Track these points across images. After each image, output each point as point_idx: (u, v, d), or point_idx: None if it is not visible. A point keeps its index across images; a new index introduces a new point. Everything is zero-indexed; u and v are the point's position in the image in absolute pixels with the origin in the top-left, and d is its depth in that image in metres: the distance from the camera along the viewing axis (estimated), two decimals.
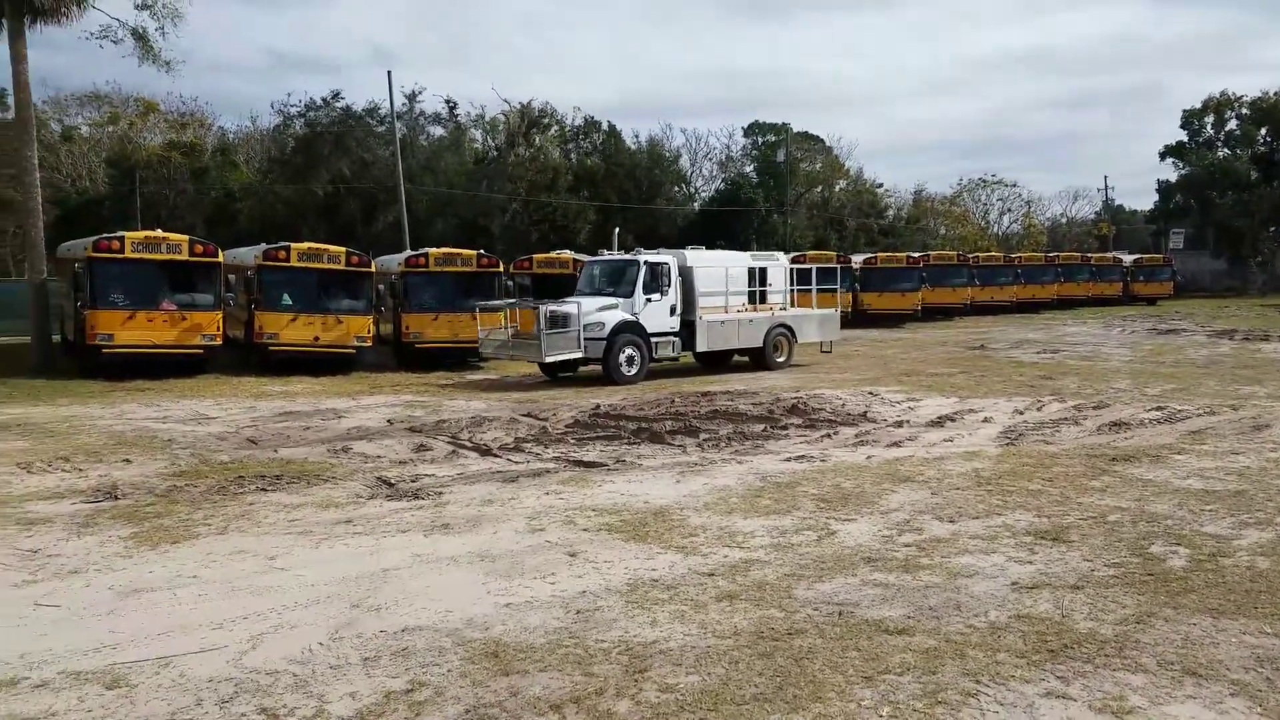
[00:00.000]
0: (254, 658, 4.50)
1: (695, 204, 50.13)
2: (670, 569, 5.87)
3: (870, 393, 14.51)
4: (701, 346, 19.05)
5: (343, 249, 20.20)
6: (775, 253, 24.04)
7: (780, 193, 47.62)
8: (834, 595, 5.31)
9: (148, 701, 4.07)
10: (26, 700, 4.07)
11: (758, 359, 19.67)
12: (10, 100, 41.33)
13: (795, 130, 51.73)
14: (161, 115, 43.18)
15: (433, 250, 22.42)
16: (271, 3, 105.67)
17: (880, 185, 56.84)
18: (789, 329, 20.18)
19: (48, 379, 17.30)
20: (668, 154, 49.23)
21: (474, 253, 22.16)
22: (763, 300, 20.25)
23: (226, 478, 8.77)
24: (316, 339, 18.88)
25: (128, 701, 4.07)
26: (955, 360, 20.46)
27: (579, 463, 9.39)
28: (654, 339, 18.16)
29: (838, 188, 54.13)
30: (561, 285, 25.11)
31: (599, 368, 17.42)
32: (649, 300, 18.14)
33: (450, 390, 16.64)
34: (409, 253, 23.91)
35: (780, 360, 19.81)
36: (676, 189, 49.22)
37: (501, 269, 22.41)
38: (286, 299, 18.99)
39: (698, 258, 19.65)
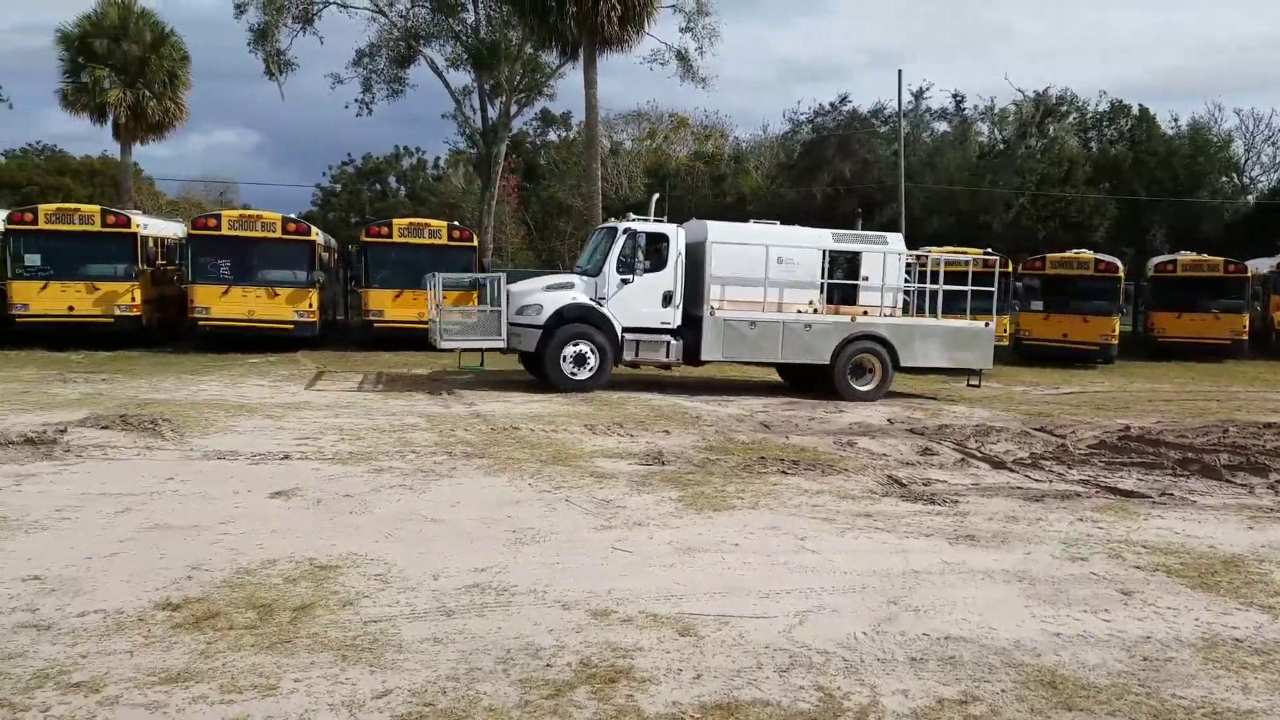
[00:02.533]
0: (802, 633, 4.74)
1: (1249, 197, 42.26)
2: (1256, 630, 4.97)
3: None
4: (710, 353, 14.49)
5: None
6: (884, 234, 17.14)
7: None
8: None
9: (714, 654, 4.48)
10: (617, 631, 4.73)
11: (832, 383, 14.60)
12: (572, 120, 49.31)
13: None
14: (689, 129, 48.20)
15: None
16: (780, 17, 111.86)
17: None
18: (884, 344, 14.66)
19: None
20: (1215, 139, 42.14)
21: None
22: (850, 300, 15.17)
23: (750, 457, 9.45)
24: None
25: (697, 651, 4.52)
26: None
27: (1114, 490, 8.43)
28: (631, 335, 14.27)
29: None
30: (1078, 288, 22.85)
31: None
32: (625, 281, 14.22)
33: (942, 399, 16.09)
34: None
35: (864, 389, 14.66)
36: (1225, 179, 41.95)
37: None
38: None
39: (724, 230, 15.14)
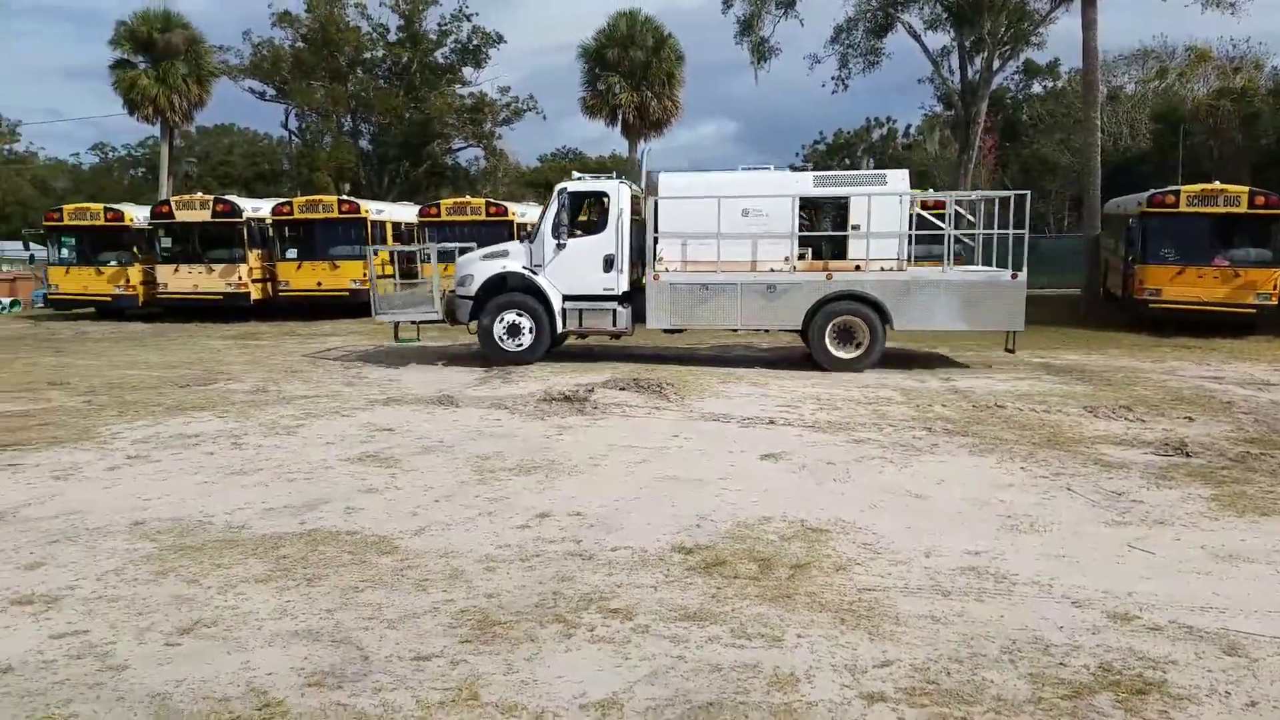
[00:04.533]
0: None
1: None
2: None
3: None
4: (656, 321, 13.21)
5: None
6: (883, 172, 14.52)
7: None
8: None
9: (1273, 681, 3.75)
10: (1143, 639, 4.17)
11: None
12: (1060, 69, 44.61)
13: None
14: (1212, 63, 40.89)
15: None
16: None
17: None
18: (871, 305, 12.59)
19: (1095, 329, 18.29)
20: None
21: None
22: (838, 255, 13.43)
23: None
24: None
25: (1249, 674, 3.81)
26: None
27: None
28: (572, 304, 13.27)
29: None
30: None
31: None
32: (561, 246, 13.14)
33: None
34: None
35: (847, 356, 12.75)
36: None
37: None
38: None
39: (676, 182, 13.66)
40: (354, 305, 20.78)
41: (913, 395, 11.02)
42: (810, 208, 13.96)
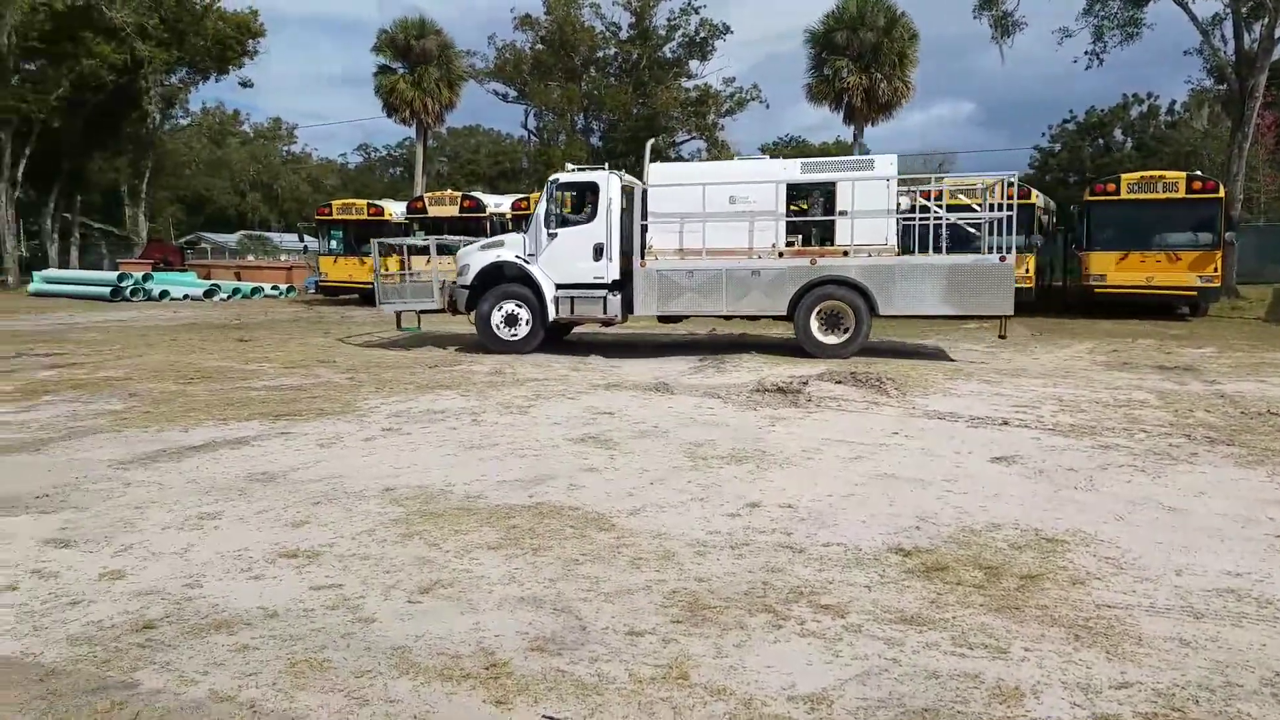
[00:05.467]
0: None
1: None
2: None
3: None
4: (643, 307, 13.41)
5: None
6: (872, 157, 14.28)
7: None
8: None
9: None
10: None
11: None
12: None
13: None
14: None
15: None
16: None
17: None
18: (856, 290, 12.55)
19: None
20: None
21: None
22: (827, 240, 13.16)
23: None
24: None
25: None
26: None
27: None
28: (564, 292, 13.52)
29: None
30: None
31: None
32: (553, 236, 13.45)
33: None
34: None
35: (832, 342, 12.76)
36: None
37: None
38: None
39: (664, 172, 14.06)
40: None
41: (1170, 399, 10.00)
42: (799, 194, 13.78)
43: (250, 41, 34.26)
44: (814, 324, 13.02)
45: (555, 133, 46.52)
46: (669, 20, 43.01)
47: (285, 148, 68.11)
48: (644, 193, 13.62)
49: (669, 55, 44.61)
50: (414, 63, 37.29)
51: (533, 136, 49.30)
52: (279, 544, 5.31)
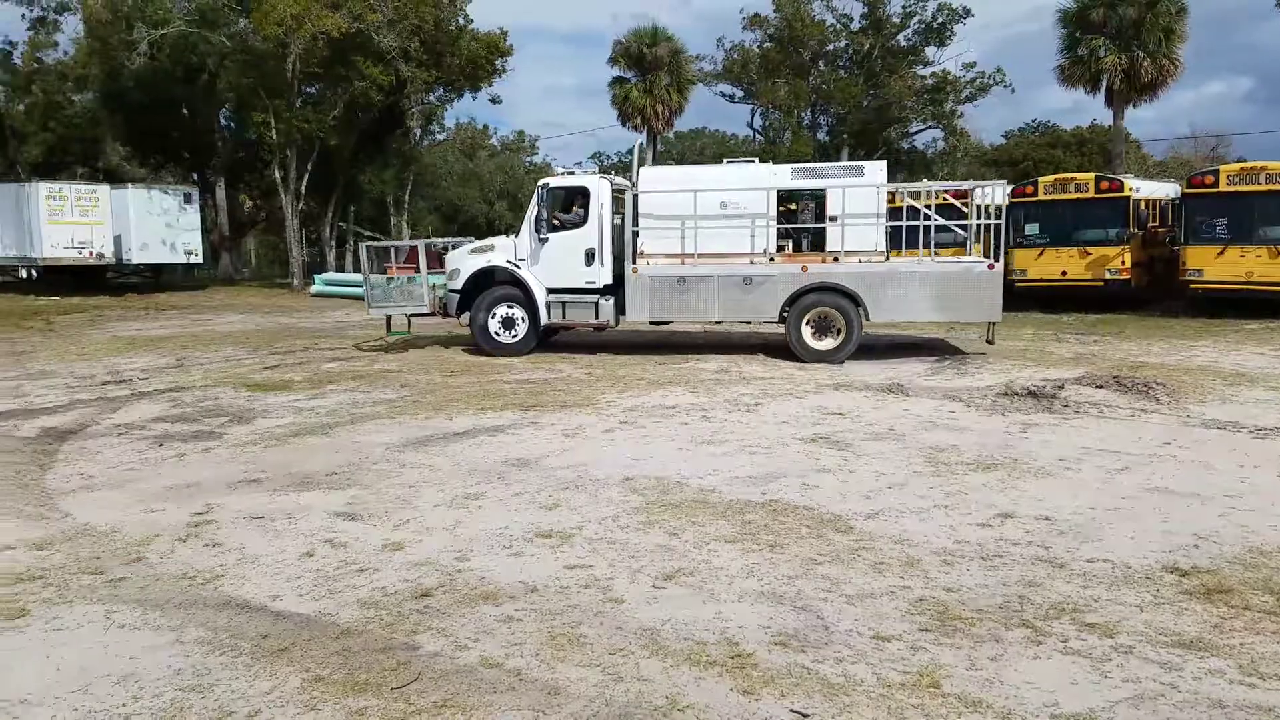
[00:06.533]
0: None
1: None
2: None
3: None
4: (636, 313, 13.31)
5: None
6: (861, 164, 14.31)
7: None
8: None
9: None
10: None
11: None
12: None
13: None
14: None
15: None
16: None
17: None
18: (847, 296, 12.63)
19: None
20: None
21: None
22: (817, 246, 12.95)
23: None
24: None
25: None
26: None
27: None
28: (555, 297, 13.41)
29: None
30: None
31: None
32: (543, 241, 13.27)
33: None
34: None
35: (824, 348, 12.76)
36: None
37: None
38: None
39: (655, 176, 13.95)
40: None
41: None
42: (789, 200, 13.48)
43: (499, 60, 36.58)
44: (806, 330, 13.02)
45: (781, 130, 46.19)
46: (904, 7, 41.49)
47: (528, 159, 72.35)
48: (634, 196, 13.34)
49: (903, 43, 43.06)
50: (646, 70, 38.33)
51: (758, 135, 49.27)
52: (534, 524, 5.68)
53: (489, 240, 14.53)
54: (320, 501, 6.31)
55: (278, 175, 34.49)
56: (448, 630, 4.15)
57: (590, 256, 13.36)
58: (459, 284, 13.87)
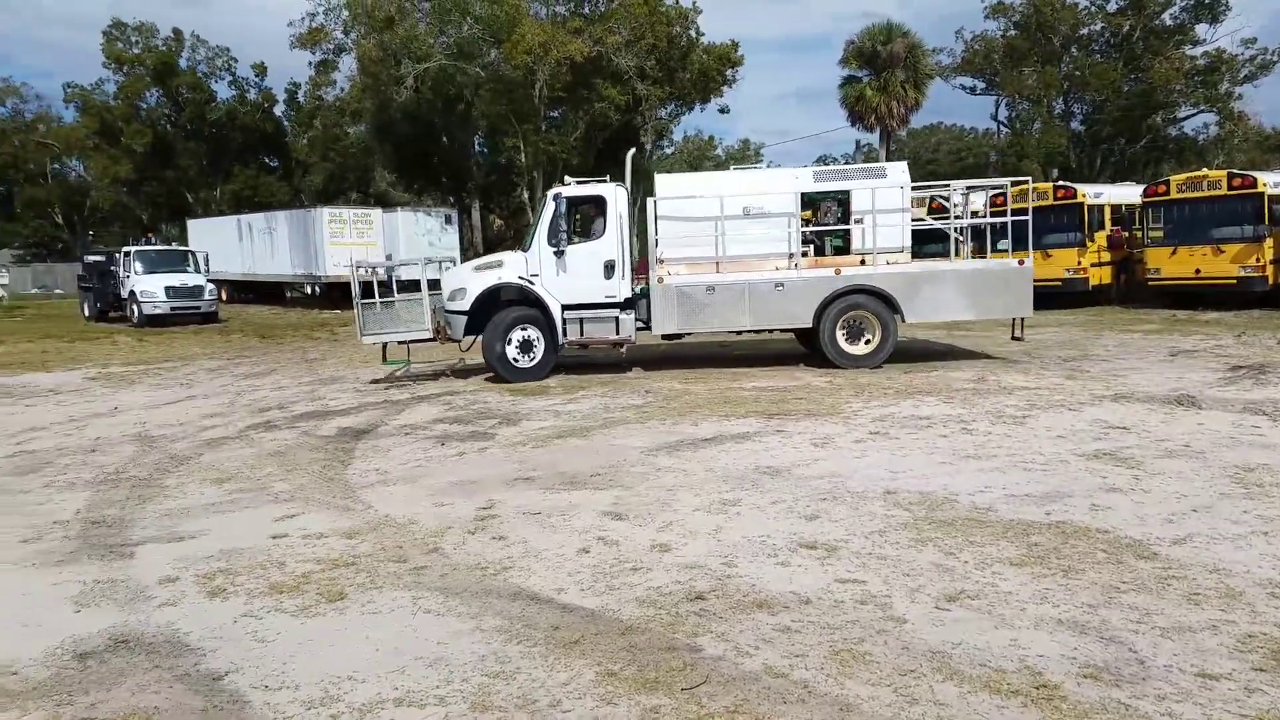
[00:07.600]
0: None
1: None
2: None
3: None
4: (662, 327, 12.65)
5: None
6: (884, 165, 15.10)
7: None
8: None
9: None
10: None
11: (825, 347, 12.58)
12: None
13: None
14: None
15: None
16: None
17: None
18: (881, 298, 12.42)
19: None
20: None
21: None
22: (844, 250, 12.91)
23: None
24: None
25: None
26: None
27: None
28: (573, 313, 12.56)
29: None
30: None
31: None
32: (559, 254, 12.42)
33: None
34: None
35: (860, 352, 12.60)
36: None
37: None
38: None
39: (673, 183, 13.27)
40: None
41: None
42: (812, 203, 13.14)
43: (730, 70, 36.87)
44: (840, 335, 12.75)
45: (1030, 120, 43.27)
46: None
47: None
48: (654, 204, 12.89)
49: (1169, 22, 39.11)
50: (880, 68, 37.25)
51: (1003, 127, 46.42)
52: (796, 534, 5.61)
53: (496, 256, 13.60)
54: (588, 500, 6.59)
55: (525, 196, 36.66)
56: (727, 635, 4.18)
57: (610, 269, 12.65)
58: (466, 304, 12.68)
